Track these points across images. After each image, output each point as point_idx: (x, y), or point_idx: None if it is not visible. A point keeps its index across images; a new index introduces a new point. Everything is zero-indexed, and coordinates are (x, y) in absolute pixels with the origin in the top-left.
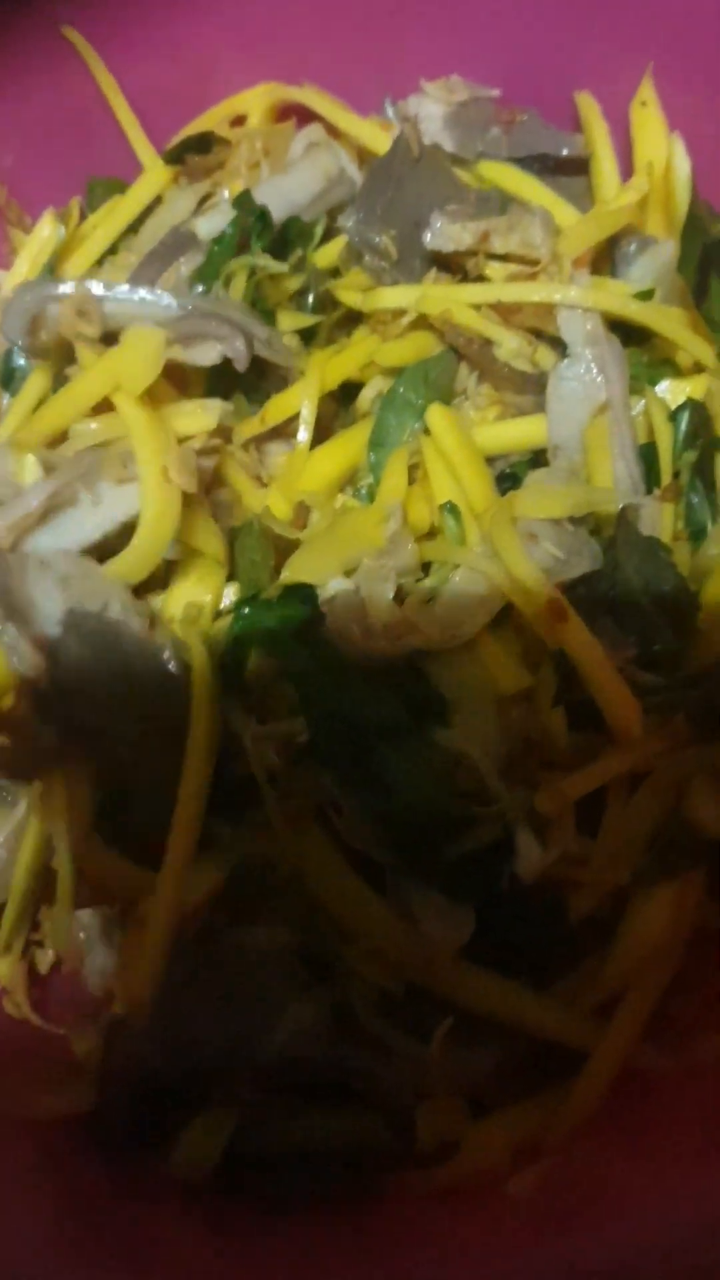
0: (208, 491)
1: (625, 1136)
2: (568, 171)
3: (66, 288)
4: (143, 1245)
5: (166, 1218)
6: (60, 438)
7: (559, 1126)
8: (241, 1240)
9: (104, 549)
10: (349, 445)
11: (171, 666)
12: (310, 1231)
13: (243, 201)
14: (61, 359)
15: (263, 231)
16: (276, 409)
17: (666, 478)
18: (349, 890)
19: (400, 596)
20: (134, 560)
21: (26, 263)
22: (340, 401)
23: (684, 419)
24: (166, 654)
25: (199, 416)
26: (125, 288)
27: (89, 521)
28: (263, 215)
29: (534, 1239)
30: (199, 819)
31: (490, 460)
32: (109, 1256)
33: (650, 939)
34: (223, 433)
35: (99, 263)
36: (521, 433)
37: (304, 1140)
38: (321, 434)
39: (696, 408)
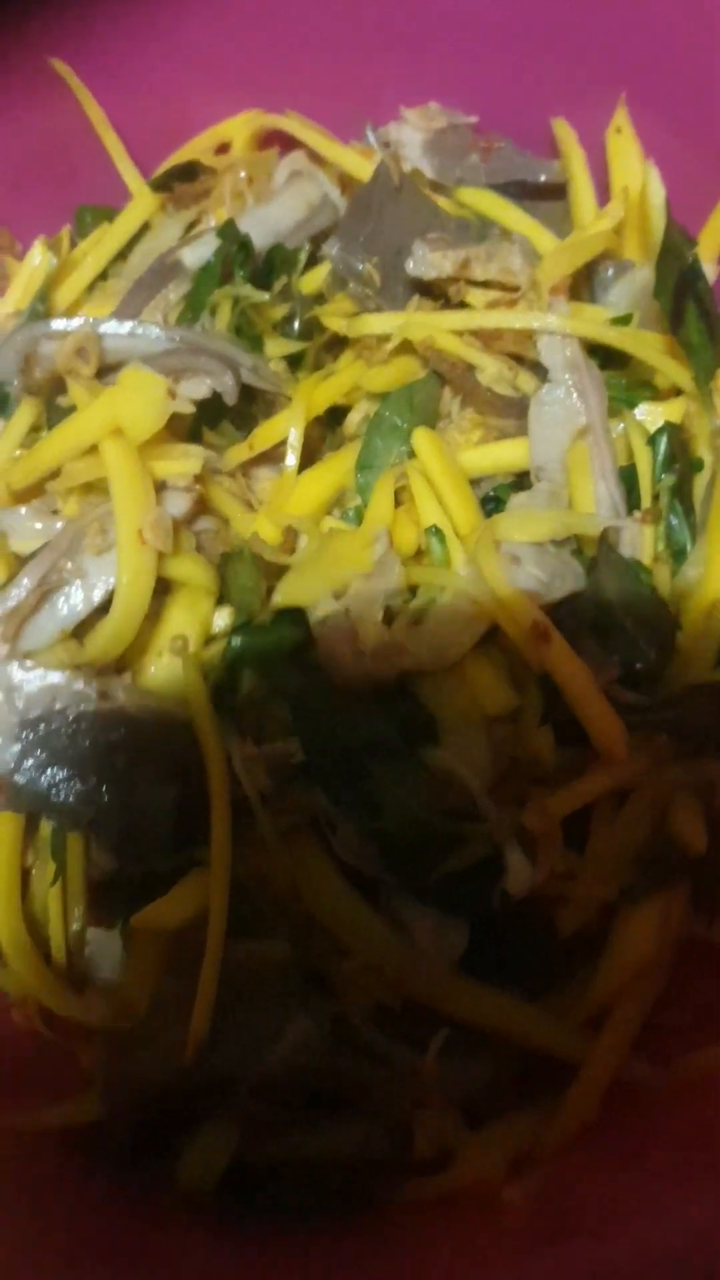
0: (192, 521)
1: (617, 1149)
2: (545, 197)
3: (60, 326)
4: (149, 1253)
5: (172, 1227)
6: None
7: (553, 1137)
8: (245, 1247)
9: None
10: (336, 469)
11: (129, 728)
12: (311, 1238)
13: (227, 231)
14: (52, 390)
15: (245, 260)
16: (264, 435)
17: (646, 501)
18: (344, 906)
19: (389, 618)
20: (111, 634)
21: (19, 290)
22: (327, 425)
23: (662, 442)
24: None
25: (181, 463)
26: (115, 324)
27: (75, 599)
28: (244, 245)
29: (527, 1245)
30: (228, 842)
31: (474, 482)
32: (115, 1264)
33: (637, 953)
34: (210, 461)
35: (89, 289)
36: (505, 455)
37: (305, 1150)
38: (309, 457)
39: (674, 431)
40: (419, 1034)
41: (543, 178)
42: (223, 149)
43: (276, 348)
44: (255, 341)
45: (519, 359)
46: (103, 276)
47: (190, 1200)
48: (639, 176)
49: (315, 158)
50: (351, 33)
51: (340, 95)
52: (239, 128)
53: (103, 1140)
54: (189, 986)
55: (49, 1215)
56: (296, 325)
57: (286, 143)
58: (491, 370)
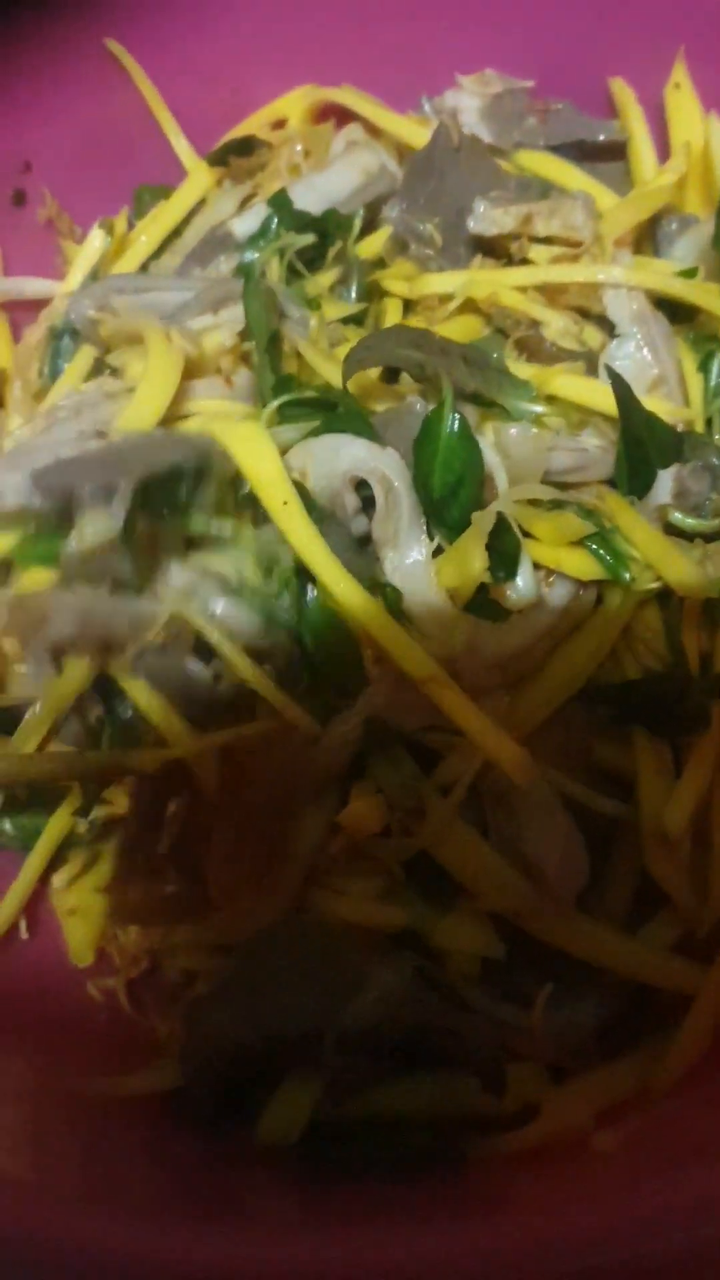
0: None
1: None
2: (604, 158)
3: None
4: (231, 1208)
5: (254, 1183)
6: None
7: (664, 1076)
8: (326, 1203)
9: None
10: None
11: None
12: (394, 1192)
13: (277, 200)
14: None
15: (293, 224)
16: None
17: (699, 425)
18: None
19: None
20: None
21: (79, 273)
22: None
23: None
24: None
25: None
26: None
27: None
28: (294, 212)
29: (619, 1188)
30: None
31: None
32: (203, 1217)
33: None
34: None
35: (144, 267)
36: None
37: (390, 1105)
38: None
39: None
40: (512, 986)
41: (601, 137)
42: (279, 125)
43: (335, 310)
44: (312, 304)
45: (584, 313)
46: (159, 254)
47: (271, 1157)
48: (700, 131)
49: (372, 130)
50: (404, 2)
51: (395, 67)
52: (294, 103)
53: (183, 1103)
54: (267, 942)
55: (136, 1172)
56: (354, 290)
57: (343, 117)
58: (557, 325)
